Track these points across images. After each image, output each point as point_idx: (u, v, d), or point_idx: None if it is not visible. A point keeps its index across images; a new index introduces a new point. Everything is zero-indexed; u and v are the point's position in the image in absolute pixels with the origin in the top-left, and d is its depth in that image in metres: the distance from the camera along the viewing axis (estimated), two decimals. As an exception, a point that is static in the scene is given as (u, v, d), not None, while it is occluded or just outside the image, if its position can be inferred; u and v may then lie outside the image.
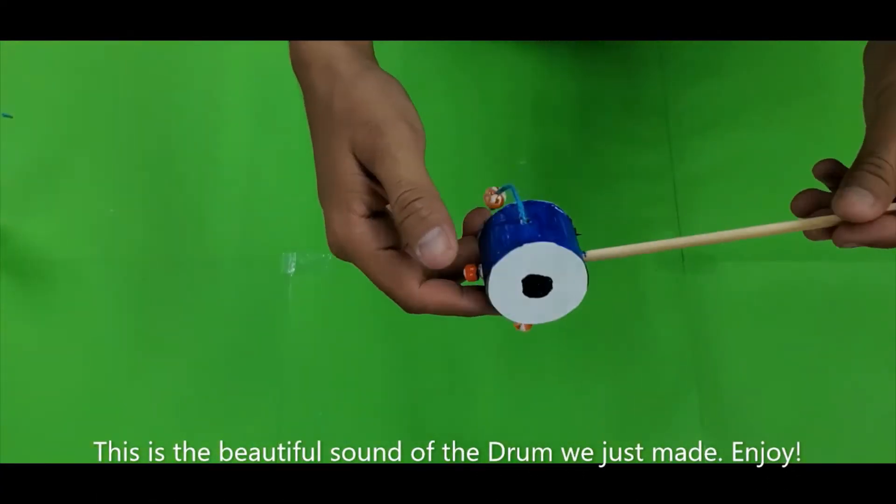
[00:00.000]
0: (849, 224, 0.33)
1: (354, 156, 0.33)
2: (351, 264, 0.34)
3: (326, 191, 0.34)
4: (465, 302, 0.33)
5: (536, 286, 0.32)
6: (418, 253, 0.30)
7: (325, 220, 0.34)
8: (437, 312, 0.33)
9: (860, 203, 0.31)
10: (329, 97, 0.35)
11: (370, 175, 0.33)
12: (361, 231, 0.33)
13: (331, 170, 0.34)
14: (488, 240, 0.33)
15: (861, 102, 0.64)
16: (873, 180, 0.32)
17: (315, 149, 0.36)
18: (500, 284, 0.32)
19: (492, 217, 0.34)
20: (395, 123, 0.33)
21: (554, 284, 0.32)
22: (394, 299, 0.34)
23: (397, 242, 0.34)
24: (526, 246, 0.31)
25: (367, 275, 0.34)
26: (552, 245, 0.31)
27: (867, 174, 0.32)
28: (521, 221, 0.32)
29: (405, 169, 0.31)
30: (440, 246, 0.30)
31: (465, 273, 0.33)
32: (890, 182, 0.32)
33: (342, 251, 0.34)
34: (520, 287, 0.32)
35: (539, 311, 0.33)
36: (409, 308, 0.34)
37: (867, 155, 0.33)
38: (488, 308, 0.33)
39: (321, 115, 0.35)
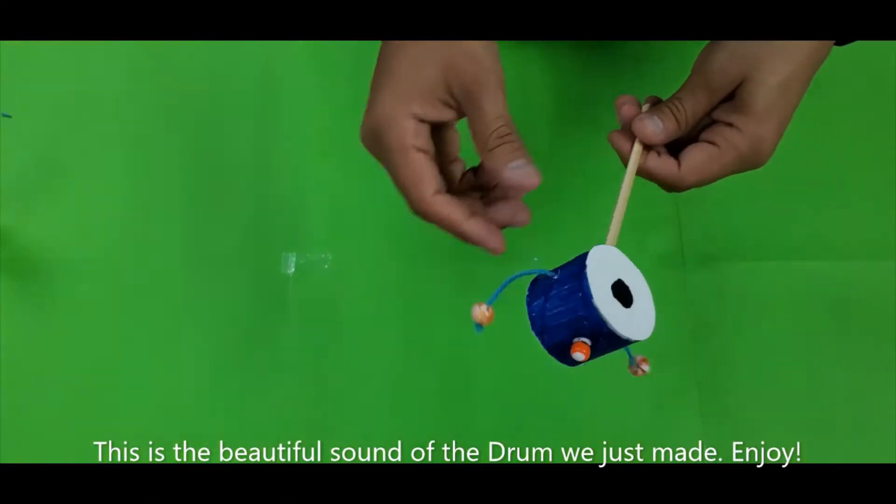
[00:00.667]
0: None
1: (445, 75, 0.35)
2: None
3: (385, 78, 0.35)
4: (469, 226, 0.36)
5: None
6: (507, 175, 0.35)
7: (370, 101, 0.35)
8: (439, 224, 0.36)
9: (652, 129, 0.38)
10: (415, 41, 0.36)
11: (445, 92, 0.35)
12: (408, 126, 0.34)
13: (406, 65, 0.35)
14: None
15: (861, 100, 0.64)
16: (669, 118, 0.38)
17: (384, 51, 0.37)
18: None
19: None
20: (496, 64, 0.35)
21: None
22: (406, 196, 0.36)
23: (430, 150, 0.36)
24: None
25: (389, 166, 0.35)
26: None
27: (668, 111, 0.39)
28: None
29: (503, 107, 0.36)
30: (531, 170, 0.35)
31: (577, 351, 0.32)
32: (680, 124, 0.39)
33: (375, 134, 0.35)
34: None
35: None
36: (416, 210, 0.36)
37: (676, 97, 0.39)
38: (486, 238, 0.36)
39: (404, 42, 0.36)
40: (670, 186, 0.40)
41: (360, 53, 0.65)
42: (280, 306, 0.58)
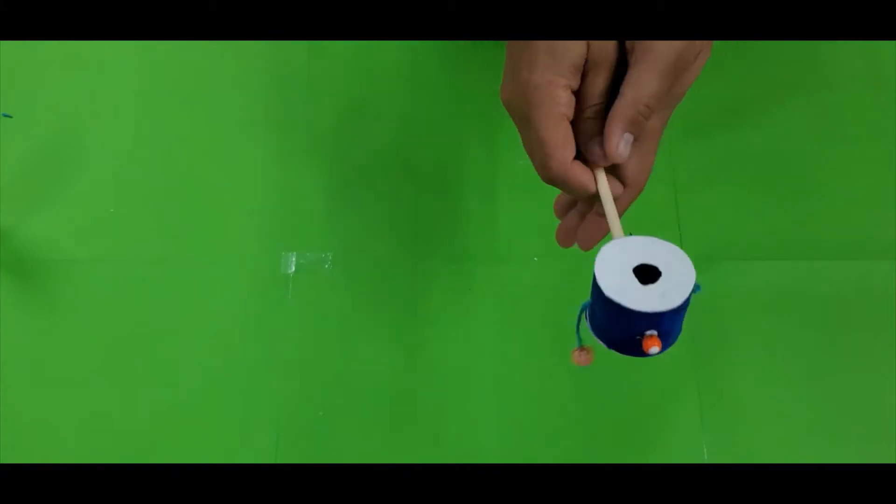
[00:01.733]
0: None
1: (588, 46, 0.36)
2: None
3: (538, 45, 0.35)
4: (597, 188, 0.37)
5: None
6: (587, 150, 0.37)
7: (522, 65, 0.36)
8: (570, 188, 0.37)
9: (625, 147, 0.37)
10: None
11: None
12: (563, 96, 0.36)
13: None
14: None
15: (861, 100, 0.64)
16: (639, 126, 0.37)
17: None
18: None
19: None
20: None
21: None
22: (546, 157, 0.37)
23: (572, 117, 0.37)
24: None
25: (534, 130, 0.36)
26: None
27: (640, 119, 0.37)
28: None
29: (606, 85, 0.36)
30: (599, 152, 0.37)
31: (651, 346, 0.33)
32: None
33: (527, 99, 0.36)
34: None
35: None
36: (554, 172, 0.37)
37: (644, 105, 0.37)
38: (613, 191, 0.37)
39: None
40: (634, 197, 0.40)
41: (360, 53, 0.65)
42: (280, 306, 0.58)
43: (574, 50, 0.35)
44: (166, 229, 0.60)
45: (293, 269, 0.59)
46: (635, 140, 0.37)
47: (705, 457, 0.54)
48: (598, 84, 0.36)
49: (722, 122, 0.62)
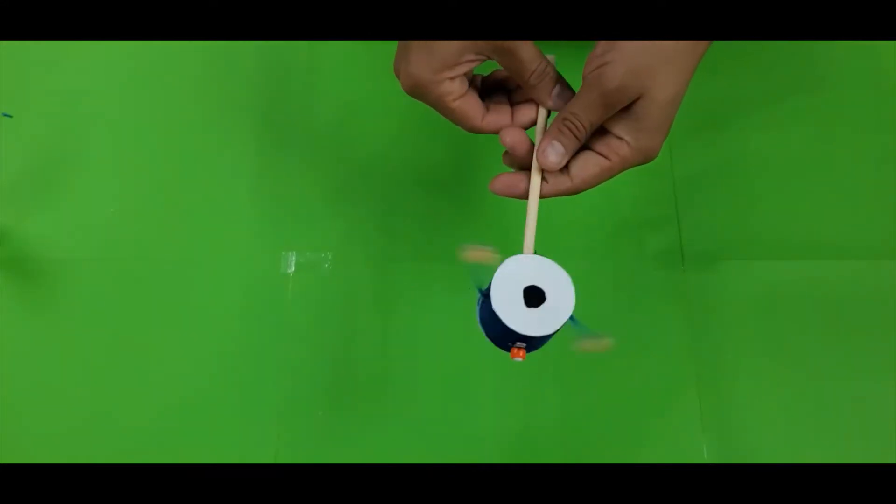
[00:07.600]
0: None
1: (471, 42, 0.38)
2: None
3: (415, 44, 0.38)
4: (510, 131, 0.40)
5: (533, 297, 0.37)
6: (552, 103, 0.40)
7: (404, 60, 0.38)
8: (494, 132, 0.41)
9: (555, 159, 0.39)
10: None
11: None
12: (444, 89, 0.39)
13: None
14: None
15: (861, 100, 0.64)
16: (570, 139, 0.39)
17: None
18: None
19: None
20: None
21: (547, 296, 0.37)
22: (459, 125, 0.41)
23: (467, 87, 0.40)
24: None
25: (437, 111, 0.41)
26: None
27: (567, 132, 0.39)
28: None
29: (535, 49, 0.39)
30: (568, 93, 0.40)
31: (515, 356, 0.38)
32: (580, 141, 0.39)
33: (416, 93, 0.39)
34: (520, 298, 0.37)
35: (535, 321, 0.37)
36: (468, 130, 0.41)
37: (572, 113, 0.39)
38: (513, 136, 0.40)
39: None
40: (563, 196, 0.41)
41: (360, 53, 0.65)
42: (280, 306, 0.58)
43: (447, 49, 0.37)
44: (166, 229, 0.60)
45: (293, 268, 0.59)
46: (584, 147, 0.39)
47: (705, 457, 0.54)
48: (526, 53, 0.38)
49: (721, 122, 0.63)
